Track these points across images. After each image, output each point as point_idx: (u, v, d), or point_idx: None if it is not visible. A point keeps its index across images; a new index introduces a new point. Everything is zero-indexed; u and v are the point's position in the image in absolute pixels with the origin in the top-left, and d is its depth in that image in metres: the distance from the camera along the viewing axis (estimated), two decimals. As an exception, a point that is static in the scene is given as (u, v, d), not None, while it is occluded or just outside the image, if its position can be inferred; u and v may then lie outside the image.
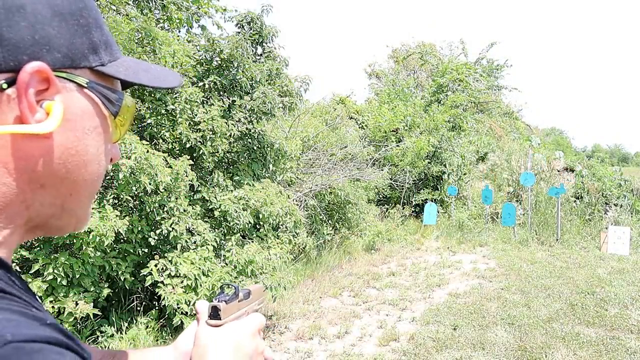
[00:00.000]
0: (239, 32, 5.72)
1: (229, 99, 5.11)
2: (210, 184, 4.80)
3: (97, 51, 0.51)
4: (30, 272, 3.47)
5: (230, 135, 4.88)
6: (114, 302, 4.29)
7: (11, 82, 0.44)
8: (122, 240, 4.01)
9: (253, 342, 0.69)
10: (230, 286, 0.74)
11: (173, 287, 3.94)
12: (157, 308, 4.37)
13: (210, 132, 4.66)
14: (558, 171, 13.26)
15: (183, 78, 0.66)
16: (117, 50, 0.55)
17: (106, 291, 3.88)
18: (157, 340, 4.13)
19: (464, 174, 12.64)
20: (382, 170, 10.05)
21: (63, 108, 0.47)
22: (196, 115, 4.64)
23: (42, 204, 0.49)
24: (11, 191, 0.46)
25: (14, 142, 0.45)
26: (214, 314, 0.68)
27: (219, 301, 0.69)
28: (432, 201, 10.84)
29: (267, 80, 5.60)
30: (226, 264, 4.45)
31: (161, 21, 5.89)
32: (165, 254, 4.12)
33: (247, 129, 5.10)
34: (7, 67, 0.44)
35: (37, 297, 0.55)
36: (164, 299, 3.86)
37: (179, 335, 0.75)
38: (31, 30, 0.45)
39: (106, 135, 0.54)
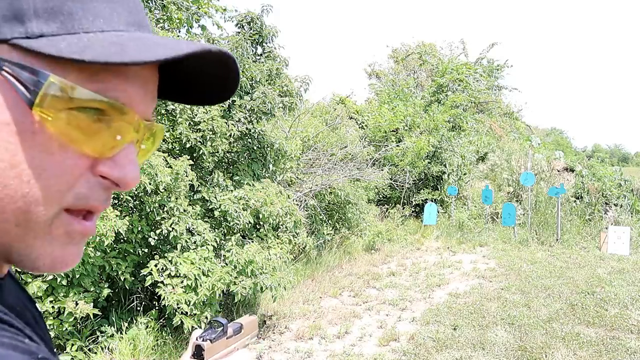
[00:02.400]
0: (239, 32, 5.72)
1: (229, 99, 5.10)
2: (210, 184, 4.80)
3: (22, 20, 0.37)
4: (29, 272, 3.46)
5: (230, 135, 4.88)
6: (114, 302, 4.29)
7: None
8: (122, 240, 4.01)
9: None
10: (219, 322, 0.69)
11: (173, 287, 3.94)
12: (157, 308, 4.37)
13: (210, 132, 4.66)
14: (558, 171, 13.26)
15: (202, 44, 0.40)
16: (93, 20, 0.39)
17: (106, 291, 3.88)
18: (157, 340, 4.13)
19: (464, 174, 12.63)
20: (382, 170, 10.05)
21: None
22: (196, 115, 4.64)
23: None
24: None
25: None
26: (198, 353, 0.64)
27: (203, 340, 0.65)
28: (432, 201, 10.84)
29: (267, 80, 5.60)
30: (226, 264, 4.45)
31: (161, 21, 5.88)
32: (165, 254, 4.12)
33: (247, 129, 5.10)
34: None
35: (36, 308, 0.51)
36: (164, 299, 3.86)
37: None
38: None
39: (30, 135, 0.37)
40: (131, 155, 0.43)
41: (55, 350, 0.42)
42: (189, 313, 3.91)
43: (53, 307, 3.43)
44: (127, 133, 0.42)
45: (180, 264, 4.01)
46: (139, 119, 0.43)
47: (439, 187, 11.88)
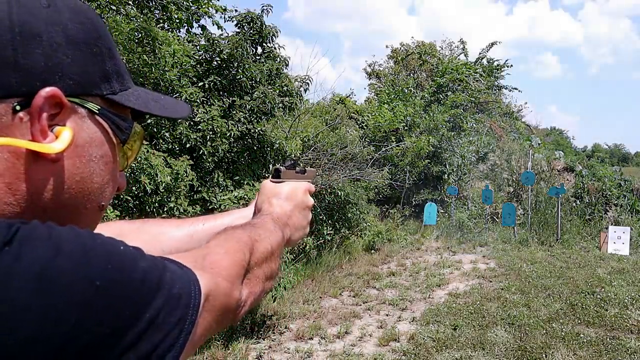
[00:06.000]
0: (239, 32, 5.71)
1: (229, 99, 5.11)
2: (210, 184, 4.80)
3: (109, 80, 0.52)
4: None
5: (230, 135, 4.88)
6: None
7: (24, 105, 0.45)
8: (122, 240, 4.00)
9: (303, 196, 0.88)
10: (292, 159, 0.93)
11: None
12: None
13: (210, 132, 4.66)
14: (558, 171, 13.26)
15: (192, 110, 0.64)
16: (129, 80, 0.56)
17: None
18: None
19: (464, 174, 12.64)
20: (382, 170, 10.05)
21: (73, 133, 0.47)
22: (196, 115, 4.64)
23: None
24: (12, 211, 0.45)
25: (20, 164, 0.45)
26: (276, 174, 0.90)
27: (281, 166, 0.92)
28: (432, 201, 10.84)
29: (267, 80, 5.60)
30: (226, 264, 4.45)
31: (161, 21, 5.88)
32: (165, 254, 4.12)
33: (247, 129, 5.10)
34: (20, 92, 0.44)
35: None
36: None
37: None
38: (45, 58, 0.45)
39: (113, 165, 0.54)
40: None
41: None
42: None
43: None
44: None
45: (180, 264, 4.01)
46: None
47: (439, 187, 11.89)
